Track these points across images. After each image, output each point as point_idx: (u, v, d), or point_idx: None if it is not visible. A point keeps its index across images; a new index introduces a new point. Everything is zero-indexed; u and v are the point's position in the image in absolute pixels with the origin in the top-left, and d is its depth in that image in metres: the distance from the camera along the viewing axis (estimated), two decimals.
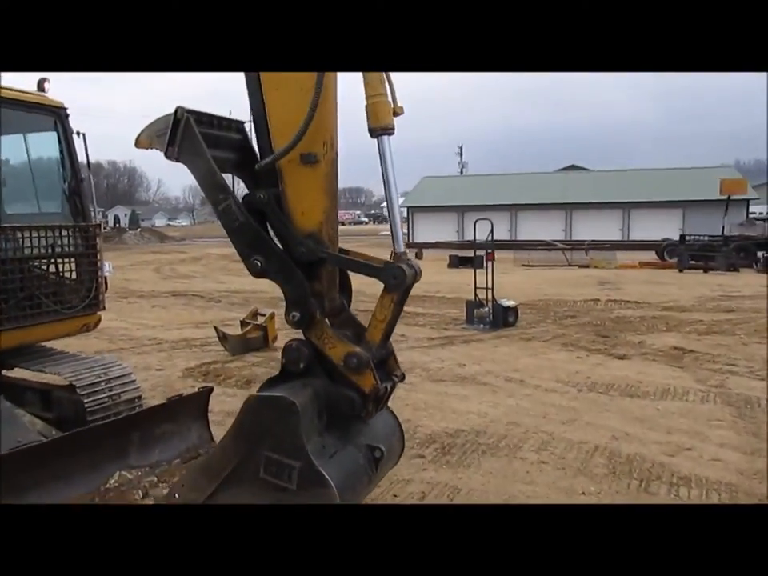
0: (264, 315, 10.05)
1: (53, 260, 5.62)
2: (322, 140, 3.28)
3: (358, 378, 3.25)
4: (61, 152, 5.83)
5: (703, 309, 13.32)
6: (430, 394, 7.30)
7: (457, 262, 23.92)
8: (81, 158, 5.99)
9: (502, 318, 11.36)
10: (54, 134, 5.79)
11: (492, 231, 11.91)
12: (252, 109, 3.38)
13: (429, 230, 39.38)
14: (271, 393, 3.21)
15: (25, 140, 5.93)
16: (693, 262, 21.48)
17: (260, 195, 3.39)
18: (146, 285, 19.78)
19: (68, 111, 5.83)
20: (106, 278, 6.05)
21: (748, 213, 35.63)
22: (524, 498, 4.57)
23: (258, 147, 3.50)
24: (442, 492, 4.71)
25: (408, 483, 4.83)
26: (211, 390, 5.60)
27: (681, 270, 21.22)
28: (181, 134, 3.31)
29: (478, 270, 12.02)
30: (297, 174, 3.30)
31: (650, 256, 25.45)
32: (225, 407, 6.83)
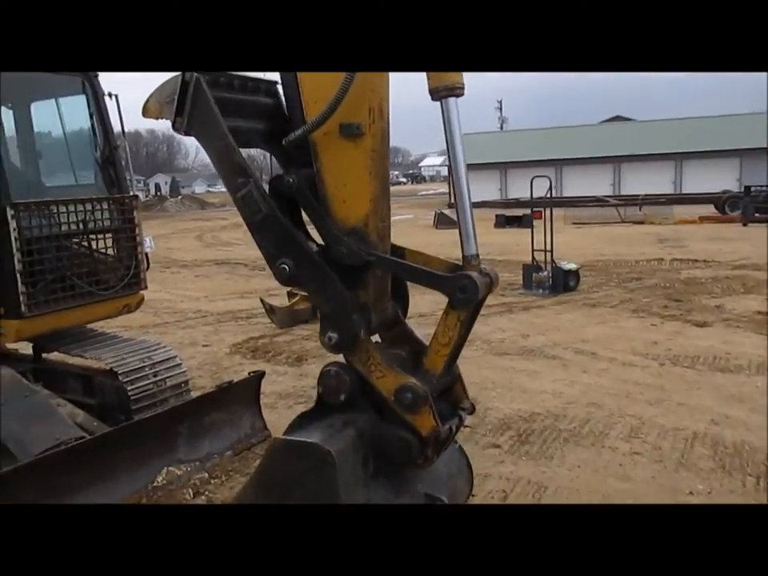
0: None
1: (86, 237, 5.17)
2: (367, 105, 2.61)
3: (413, 418, 2.62)
4: (91, 117, 5.32)
5: None
6: (496, 369, 6.72)
7: (504, 222, 23.06)
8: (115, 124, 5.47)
9: (563, 282, 10.66)
10: (83, 97, 5.28)
11: (551, 188, 11.07)
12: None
13: (473, 187, 38.23)
14: (302, 437, 2.59)
15: (57, 105, 5.44)
16: (758, 214, 20.15)
17: (288, 179, 2.74)
18: (189, 253, 19.54)
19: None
20: (147, 255, 5.58)
21: None
22: (620, 497, 3.98)
23: (289, 117, 2.84)
24: (525, 490, 4.16)
25: (485, 479, 4.30)
26: (263, 374, 5.15)
27: (745, 224, 19.97)
28: (190, 100, 2.66)
29: (527, 230, 11.27)
30: (335, 150, 2.65)
31: (708, 210, 24.06)
32: (276, 388, 6.41)
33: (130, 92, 7.25)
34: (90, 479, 3.81)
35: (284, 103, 3.05)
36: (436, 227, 23.94)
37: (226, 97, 2.77)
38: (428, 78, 2.57)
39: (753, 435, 4.81)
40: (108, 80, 5.45)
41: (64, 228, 4.92)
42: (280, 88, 3.07)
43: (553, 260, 10.79)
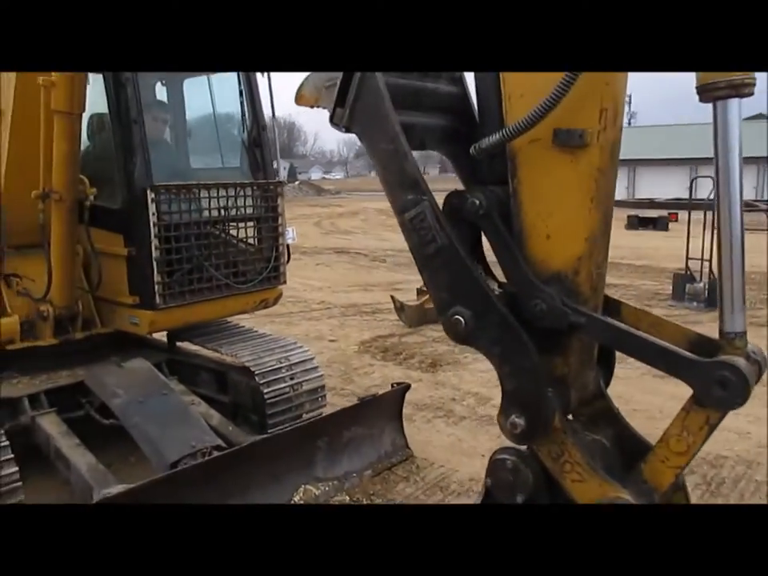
0: None
1: (227, 224, 4.84)
2: (599, 106, 1.89)
3: None
4: (241, 94, 4.98)
5: None
6: (661, 396, 5.86)
7: (636, 223, 21.52)
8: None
9: None
10: (235, 74, 4.94)
11: (717, 189, 9.83)
12: None
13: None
14: None
15: (209, 82, 5.15)
16: None
17: (474, 199, 2.05)
18: (308, 240, 19.53)
19: None
20: (288, 246, 5.21)
21: None
22: None
23: (480, 113, 2.18)
24: None
25: None
26: (408, 387, 4.63)
27: None
28: (356, 88, 2.08)
29: (662, 233, 10.08)
30: (544, 164, 1.95)
31: None
32: (412, 397, 5.82)
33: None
34: (222, 495, 3.43)
35: (472, 94, 2.38)
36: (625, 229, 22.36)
37: (402, 84, 2.15)
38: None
39: None
40: None
41: (205, 214, 4.62)
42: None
43: (711, 270, 9.61)
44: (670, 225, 21.92)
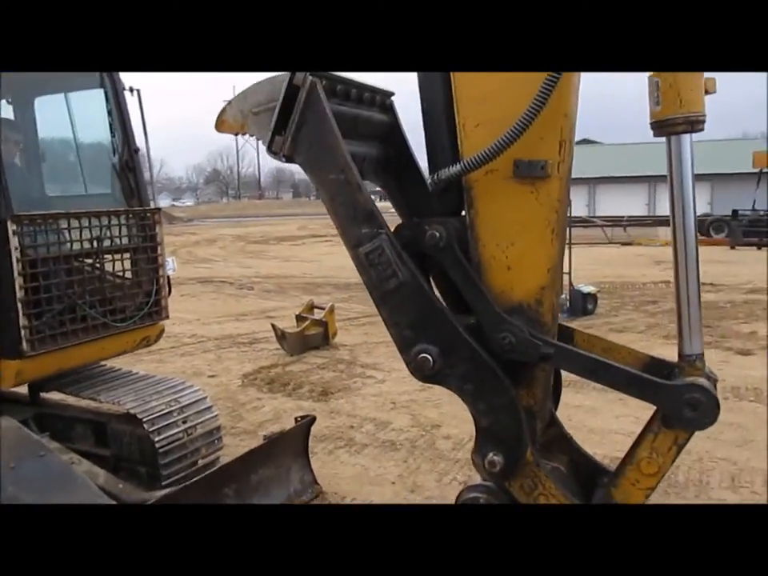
0: (321, 308, 8.80)
1: (100, 257, 4.36)
2: (558, 138, 1.89)
3: None
4: (110, 114, 4.54)
5: None
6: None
7: None
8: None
9: (582, 306, 10.13)
10: (101, 91, 4.50)
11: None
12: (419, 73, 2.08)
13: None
14: None
15: (66, 101, 4.64)
16: (745, 238, 20.15)
17: (433, 231, 1.97)
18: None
19: None
20: (168, 278, 4.80)
21: None
22: None
23: (427, 142, 2.12)
24: None
25: None
26: (313, 419, 4.40)
27: (733, 247, 19.91)
28: (300, 113, 1.93)
29: None
30: (503, 196, 1.93)
31: None
32: None
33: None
34: None
35: (400, 122, 2.37)
36: None
37: (341, 110, 2.05)
38: (655, 105, 1.83)
39: None
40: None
41: (76, 246, 4.13)
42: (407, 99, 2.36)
43: (570, 282, 10.27)
44: None
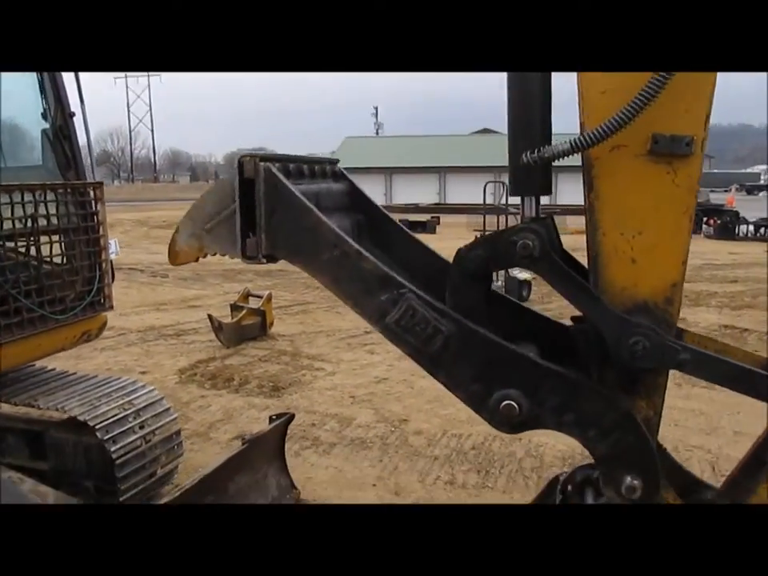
0: (257, 297, 8.26)
1: (33, 239, 3.71)
2: (705, 110, 1.61)
3: None
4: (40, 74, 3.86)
5: (702, 279, 12.67)
6: None
7: (408, 227, 22.45)
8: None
9: (517, 293, 10.14)
10: None
11: (506, 194, 10.54)
12: None
13: None
14: None
15: None
16: None
17: (526, 241, 1.68)
18: None
19: None
20: (112, 263, 4.20)
21: None
22: None
23: (512, 122, 1.76)
24: None
25: None
26: (292, 417, 3.99)
27: None
28: (265, 204, 1.77)
29: (431, 235, 10.65)
30: (632, 176, 1.65)
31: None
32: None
33: None
34: None
35: (357, 185, 2.25)
36: None
37: (303, 190, 1.85)
38: None
39: None
40: None
41: (6, 227, 3.48)
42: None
43: (506, 269, 10.24)
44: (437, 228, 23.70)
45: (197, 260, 2.02)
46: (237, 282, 12.71)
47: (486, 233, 8.98)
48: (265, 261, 1.83)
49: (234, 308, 8.07)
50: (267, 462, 3.84)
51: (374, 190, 40.63)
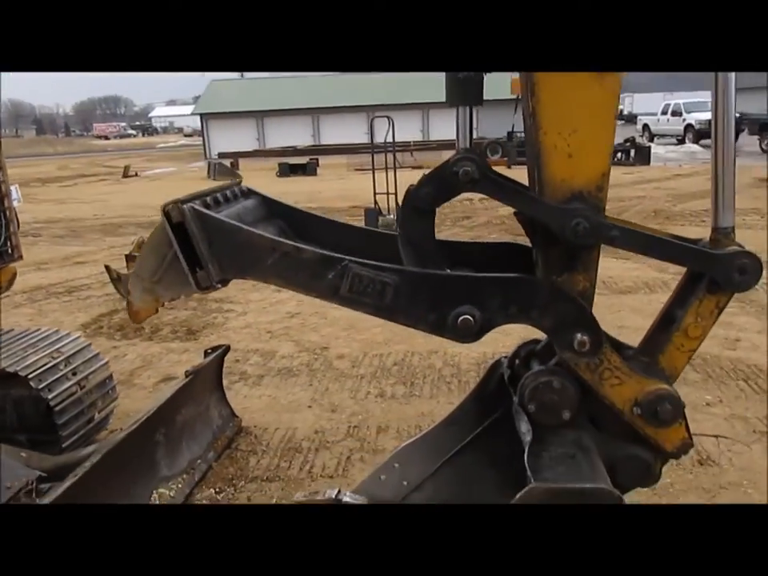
0: None
1: None
2: None
3: (659, 432, 2.06)
4: None
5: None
6: None
7: (287, 170, 22.29)
8: None
9: None
10: None
11: (393, 130, 10.75)
12: None
13: (225, 139, 36.19)
14: (570, 481, 1.90)
15: None
16: (519, 158, 22.23)
17: (465, 169, 1.94)
18: None
19: None
20: (15, 211, 4.01)
21: None
22: None
23: None
24: None
25: None
26: (228, 348, 4.09)
27: (509, 167, 21.89)
28: (202, 237, 1.98)
29: (312, 178, 10.84)
30: (570, 84, 1.90)
31: None
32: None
33: None
34: None
35: (266, 196, 2.45)
36: (214, 178, 22.11)
37: (226, 214, 2.11)
38: None
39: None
40: None
41: None
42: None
43: (397, 203, 10.54)
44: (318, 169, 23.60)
45: (157, 311, 2.27)
46: (118, 235, 12.17)
47: (375, 170, 9.12)
48: (219, 286, 2.02)
49: (130, 258, 7.75)
50: (209, 393, 3.93)
51: (246, 135, 39.68)
